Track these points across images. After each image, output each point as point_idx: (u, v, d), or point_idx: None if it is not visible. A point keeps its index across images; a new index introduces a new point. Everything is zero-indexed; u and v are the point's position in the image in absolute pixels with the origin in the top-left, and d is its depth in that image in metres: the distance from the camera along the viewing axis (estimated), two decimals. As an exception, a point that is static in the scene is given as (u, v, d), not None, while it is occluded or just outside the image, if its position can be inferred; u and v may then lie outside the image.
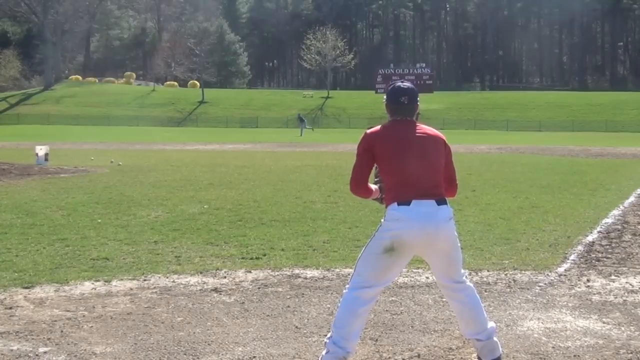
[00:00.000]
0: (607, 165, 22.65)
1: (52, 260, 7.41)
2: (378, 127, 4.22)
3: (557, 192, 14.12)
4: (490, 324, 4.33)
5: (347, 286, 4.22)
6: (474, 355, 4.58)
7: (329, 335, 4.17)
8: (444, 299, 6.02)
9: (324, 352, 4.14)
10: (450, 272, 4.26)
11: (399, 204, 4.04)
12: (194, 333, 5.05)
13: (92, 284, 6.47)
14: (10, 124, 73.54)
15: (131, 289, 6.32)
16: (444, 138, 4.28)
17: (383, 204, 4.28)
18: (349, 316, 4.08)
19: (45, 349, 4.68)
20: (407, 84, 4.30)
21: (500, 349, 4.33)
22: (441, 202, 4.09)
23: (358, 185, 4.22)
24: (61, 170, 18.57)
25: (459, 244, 4.30)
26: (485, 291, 6.31)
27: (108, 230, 9.20)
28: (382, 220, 4.14)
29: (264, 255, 7.77)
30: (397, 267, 4.18)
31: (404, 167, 4.07)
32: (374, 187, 4.31)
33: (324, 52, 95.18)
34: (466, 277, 4.38)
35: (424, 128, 4.22)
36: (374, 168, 4.28)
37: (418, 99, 4.26)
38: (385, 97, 4.29)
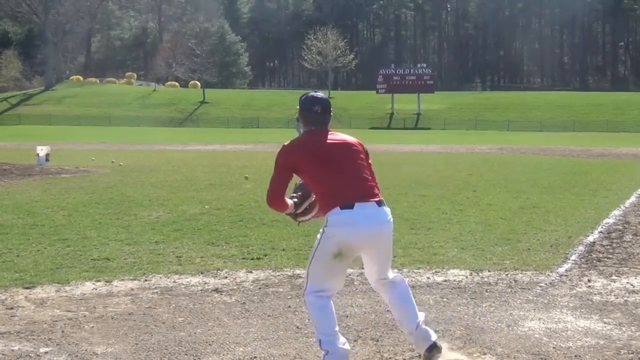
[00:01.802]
0: (608, 166, 22.63)
1: (53, 260, 7.41)
2: (295, 140, 4.26)
3: (558, 193, 14.11)
4: (421, 314, 4.36)
5: (304, 291, 4.28)
6: (475, 355, 4.58)
7: (317, 341, 4.17)
8: (444, 300, 6.02)
9: (323, 354, 4.13)
10: (384, 269, 4.33)
11: (342, 208, 4.05)
12: (195, 333, 5.05)
13: (93, 284, 6.48)
14: (11, 125, 73.54)
15: (132, 289, 6.32)
16: (361, 143, 4.34)
17: (296, 221, 4.40)
18: (320, 314, 4.15)
19: (46, 349, 4.68)
20: (320, 94, 4.37)
21: (434, 334, 4.32)
22: (381, 203, 4.16)
23: (275, 198, 4.24)
24: (62, 170, 18.57)
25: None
26: (486, 291, 6.32)
27: (109, 231, 9.21)
28: (323, 227, 4.13)
29: (265, 255, 7.78)
30: (346, 267, 4.26)
31: (337, 173, 4.10)
32: (289, 201, 4.33)
33: (325, 52, 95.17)
34: (397, 271, 4.49)
35: (340, 135, 4.29)
36: (297, 182, 4.34)
37: (331, 109, 4.32)
38: (298, 106, 4.33)
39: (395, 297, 4.34)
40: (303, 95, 4.39)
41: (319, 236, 4.16)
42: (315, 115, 4.25)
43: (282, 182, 4.20)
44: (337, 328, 4.20)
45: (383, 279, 4.34)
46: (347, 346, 4.18)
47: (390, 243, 4.29)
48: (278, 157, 4.23)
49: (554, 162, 24.56)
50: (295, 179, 4.36)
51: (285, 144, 4.25)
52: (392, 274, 4.39)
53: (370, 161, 4.36)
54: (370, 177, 4.23)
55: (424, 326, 4.32)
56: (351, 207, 4.04)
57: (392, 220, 4.24)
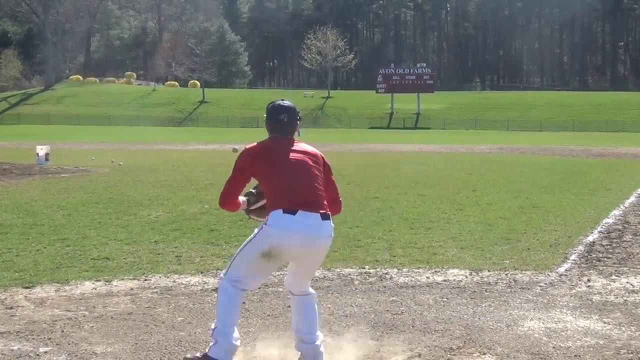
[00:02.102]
0: (607, 165, 22.64)
1: (53, 260, 7.41)
2: (256, 144, 4.29)
3: (557, 192, 14.11)
4: (319, 334, 4.36)
5: (222, 273, 4.29)
6: (475, 355, 4.59)
7: (212, 327, 4.18)
8: (444, 299, 6.03)
9: (211, 344, 4.15)
10: (305, 282, 4.35)
11: (284, 212, 4.05)
12: (195, 333, 5.05)
13: (93, 283, 6.47)
14: (11, 124, 73.50)
15: (132, 288, 6.32)
16: (323, 156, 4.36)
17: (249, 217, 4.43)
18: (228, 303, 4.16)
19: (46, 349, 4.68)
20: (287, 103, 4.39)
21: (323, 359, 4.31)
22: (325, 217, 4.15)
23: (228, 199, 4.29)
24: (62, 170, 18.57)
25: None
26: (486, 291, 6.32)
27: (109, 230, 9.21)
28: (263, 224, 4.14)
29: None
30: (270, 269, 4.28)
31: (288, 177, 4.12)
32: (242, 199, 4.37)
33: (325, 51, 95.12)
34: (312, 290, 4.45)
35: (303, 145, 4.32)
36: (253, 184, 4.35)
37: (298, 117, 4.36)
38: (265, 114, 4.38)
39: (302, 306, 4.34)
40: (270, 103, 4.43)
41: (256, 230, 4.18)
42: (282, 123, 4.30)
43: (237, 184, 4.24)
44: (236, 323, 4.23)
45: (301, 290, 4.35)
46: (238, 342, 4.20)
47: (322, 258, 4.30)
48: (238, 159, 4.27)
49: (553, 161, 24.57)
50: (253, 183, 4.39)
51: (247, 146, 4.29)
52: (310, 290, 4.41)
53: (332, 177, 4.38)
54: (321, 189, 4.21)
55: (321, 348, 4.31)
56: (294, 213, 4.04)
57: (332, 236, 4.24)
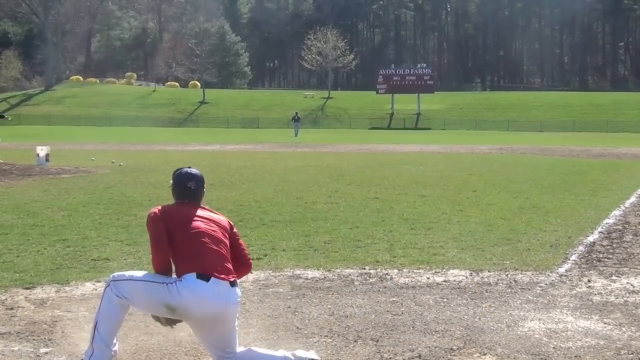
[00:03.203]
0: (608, 166, 22.63)
1: (53, 260, 7.41)
2: (163, 207, 4.30)
3: (558, 193, 14.11)
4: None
5: (113, 276, 4.25)
6: (475, 355, 4.58)
7: (92, 332, 4.17)
8: (444, 300, 6.03)
9: (90, 352, 4.13)
10: (223, 345, 4.26)
11: (197, 276, 4.04)
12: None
13: (93, 284, 6.47)
14: (11, 125, 73.54)
15: (132, 289, 6.32)
16: (229, 222, 4.41)
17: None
18: (112, 316, 4.14)
19: (46, 350, 4.68)
20: (194, 170, 4.44)
21: None
22: (234, 284, 4.16)
23: (163, 259, 4.18)
24: (62, 170, 18.57)
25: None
26: (486, 292, 6.32)
27: (109, 231, 9.21)
28: (177, 280, 4.07)
29: (265, 255, 7.77)
30: (163, 315, 4.19)
31: (198, 243, 4.12)
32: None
33: (325, 52, 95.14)
34: (236, 349, 4.32)
35: (208, 213, 4.35)
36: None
37: (204, 185, 4.42)
38: (171, 181, 4.41)
39: None
40: (177, 170, 4.47)
41: (169, 279, 4.10)
42: (189, 190, 4.35)
43: (162, 243, 4.16)
44: (116, 334, 4.24)
45: (230, 354, 4.27)
46: (116, 347, 4.23)
47: (233, 324, 4.25)
48: (149, 225, 4.26)
49: (553, 162, 24.56)
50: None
51: (152, 210, 4.29)
52: (240, 348, 4.34)
53: (239, 240, 4.40)
54: (227, 256, 4.22)
55: None
56: (207, 279, 4.04)
57: (239, 301, 4.24)
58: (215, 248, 4.16)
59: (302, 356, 4.28)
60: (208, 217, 4.32)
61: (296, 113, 58.40)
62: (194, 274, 4.04)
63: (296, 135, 50.18)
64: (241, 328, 5.18)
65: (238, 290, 4.21)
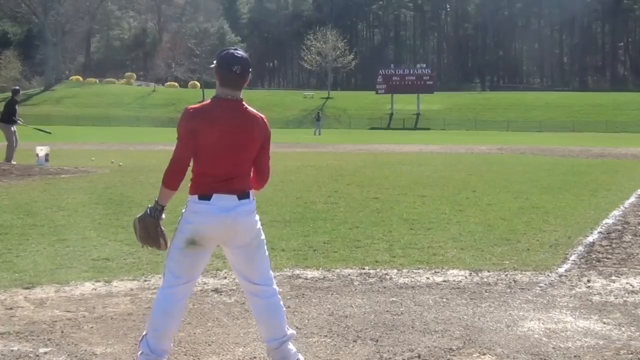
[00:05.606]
0: (607, 166, 22.64)
1: (53, 260, 7.41)
2: (200, 106, 4.02)
3: (557, 193, 14.11)
4: (290, 332, 4.19)
5: (160, 286, 4.19)
6: (475, 355, 4.59)
7: (144, 333, 4.12)
8: (444, 300, 6.03)
9: (138, 353, 4.08)
10: (247, 271, 4.11)
11: (200, 198, 3.99)
12: (195, 334, 5.05)
13: (93, 284, 6.47)
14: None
15: (132, 289, 6.32)
16: (267, 123, 4.16)
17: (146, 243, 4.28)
18: (163, 315, 4.05)
19: (46, 350, 4.68)
20: (241, 53, 3.99)
21: (295, 358, 4.15)
22: (243, 197, 3.99)
23: (176, 174, 4.05)
24: (62, 170, 18.56)
25: (265, 247, 4.19)
26: (486, 292, 6.32)
27: (109, 231, 9.20)
28: (183, 211, 4.10)
29: (265, 255, 7.76)
30: (203, 260, 4.11)
31: (216, 161, 3.94)
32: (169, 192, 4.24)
33: (325, 52, 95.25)
34: (270, 281, 4.16)
35: (249, 111, 4.03)
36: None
37: (250, 70, 4.01)
38: (215, 62, 3.98)
39: (259, 305, 4.13)
40: (222, 50, 4.03)
41: (180, 219, 4.13)
42: (234, 75, 3.93)
43: (187, 152, 3.99)
44: (174, 334, 4.18)
45: (246, 283, 4.13)
46: (167, 352, 4.13)
47: (252, 238, 4.05)
48: (180, 123, 4.03)
49: (553, 162, 24.56)
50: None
51: (190, 108, 4.03)
52: (268, 284, 4.13)
53: (268, 147, 4.20)
54: (246, 166, 4.04)
55: (289, 346, 4.14)
56: (208, 198, 3.96)
57: (253, 212, 4.05)
58: (234, 163, 3.95)
59: None
60: (246, 119, 4.00)
61: (318, 112, 58.35)
62: (196, 196, 4.00)
63: (318, 134, 50.68)
64: (240, 328, 5.18)
65: (249, 201, 4.01)
